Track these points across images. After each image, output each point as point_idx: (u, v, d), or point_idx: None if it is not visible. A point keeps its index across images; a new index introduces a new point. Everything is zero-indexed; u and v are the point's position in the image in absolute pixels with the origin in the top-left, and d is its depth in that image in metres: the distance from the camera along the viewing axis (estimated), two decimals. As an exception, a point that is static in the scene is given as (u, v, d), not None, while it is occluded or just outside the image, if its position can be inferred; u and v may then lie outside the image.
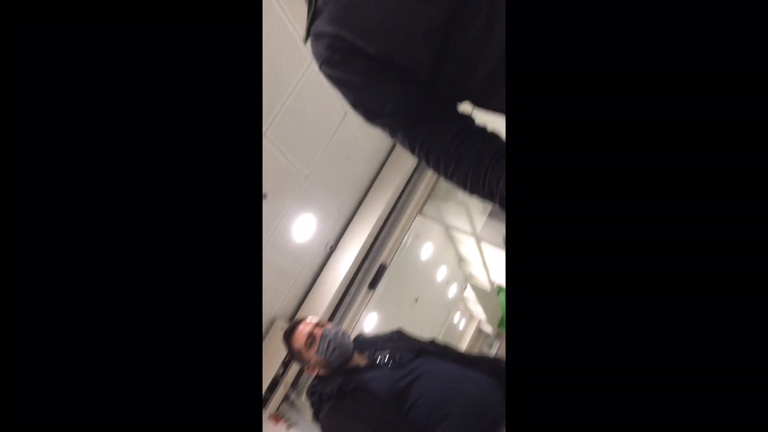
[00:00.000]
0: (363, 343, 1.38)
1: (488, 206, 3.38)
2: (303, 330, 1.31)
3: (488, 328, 9.39)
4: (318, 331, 1.29)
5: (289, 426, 2.80)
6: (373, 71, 0.64)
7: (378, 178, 3.24)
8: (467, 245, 4.87)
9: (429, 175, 3.29)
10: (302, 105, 2.39)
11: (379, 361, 1.25)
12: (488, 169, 0.60)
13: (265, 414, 2.79)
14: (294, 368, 2.85)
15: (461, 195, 3.52)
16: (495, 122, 0.66)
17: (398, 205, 3.26)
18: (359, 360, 1.30)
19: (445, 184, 3.47)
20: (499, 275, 5.27)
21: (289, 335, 1.34)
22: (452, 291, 6.12)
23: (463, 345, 8.98)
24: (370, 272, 3.17)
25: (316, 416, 1.19)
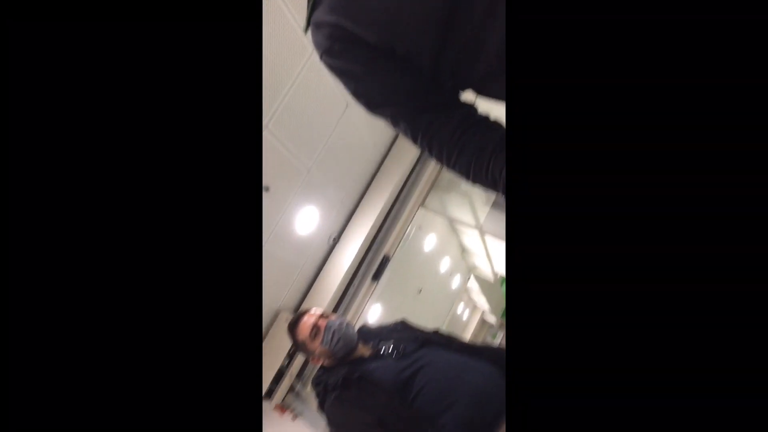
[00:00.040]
0: (367, 333, 1.39)
1: (491, 197, 3.38)
2: (307, 321, 1.32)
3: (492, 319, 9.42)
4: (322, 322, 1.30)
5: (295, 416, 2.83)
6: (374, 60, 0.64)
7: (380, 169, 3.24)
8: (470, 236, 4.87)
9: (431, 166, 3.28)
10: (303, 97, 2.38)
11: (384, 352, 1.26)
12: (491, 158, 0.60)
13: (271, 405, 2.82)
14: (299, 359, 2.87)
15: (464, 186, 3.51)
16: (498, 110, 0.65)
17: (401, 197, 3.26)
18: (363, 350, 1.31)
19: (447, 175, 3.46)
20: (502, 266, 5.27)
21: (293, 326, 1.35)
22: (456, 282, 6.14)
23: (467, 335, 9.02)
24: (373, 264, 3.18)
25: (321, 406, 1.20)
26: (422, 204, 3.36)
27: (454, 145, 0.63)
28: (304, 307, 3.01)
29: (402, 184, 3.25)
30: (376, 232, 3.19)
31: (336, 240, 3.10)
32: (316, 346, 1.29)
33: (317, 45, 0.68)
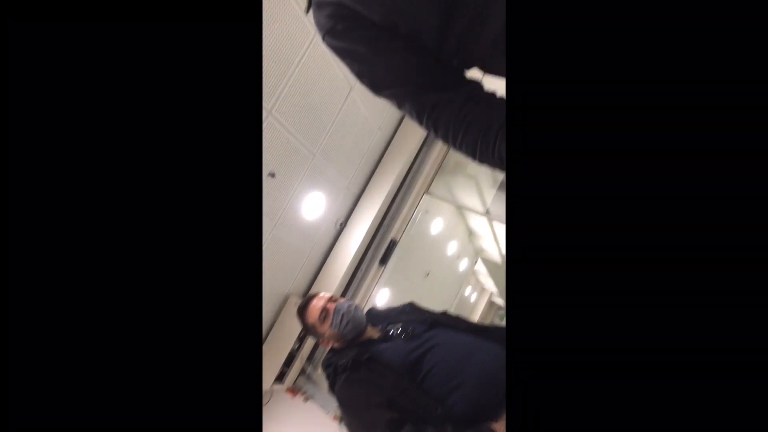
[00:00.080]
0: (375, 316, 1.40)
1: (498, 178, 3.35)
2: (316, 305, 1.33)
3: (500, 301, 9.46)
4: (331, 306, 1.31)
5: (306, 399, 2.88)
6: (377, 40, 0.63)
7: (386, 153, 3.23)
8: (477, 219, 4.86)
9: (437, 149, 3.26)
10: (307, 81, 2.36)
11: (392, 333, 1.27)
12: (497, 136, 0.59)
13: (283, 388, 2.87)
14: (309, 343, 2.91)
15: (470, 169, 3.49)
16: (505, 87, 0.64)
17: (407, 180, 3.25)
18: (372, 333, 1.32)
19: (453, 158, 3.43)
20: (509, 248, 5.24)
21: (303, 310, 1.36)
22: (463, 265, 6.15)
23: (475, 317, 9.07)
24: (380, 248, 3.19)
25: (332, 388, 1.22)
26: (427, 191, 3.35)
27: (459, 124, 0.62)
28: (312, 291, 3.04)
29: (408, 167, 3.24)
30: (383, 216, 3.20)
31: (343, 225, 3.11)
32: (326, 329, 1.30)
33: (319, 25, 0.67)
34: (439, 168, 3.39)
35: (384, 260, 3.19)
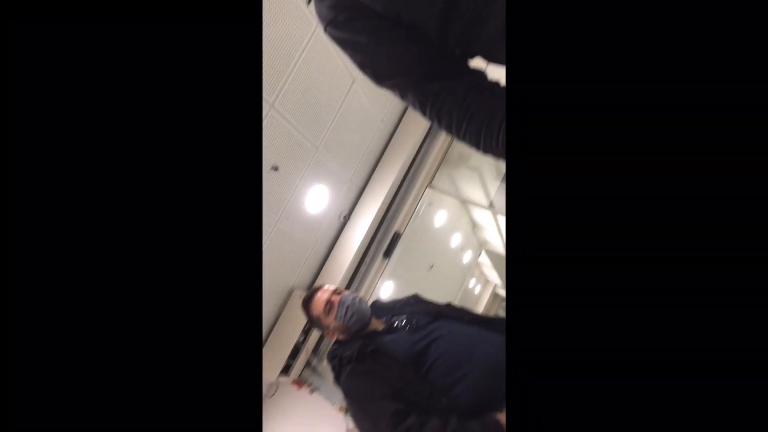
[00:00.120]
0: (380, 308, 1.40)
1: (502, 170, 3.34)
2: (321, 297, 1.34)
3: (503, 293, 9.46)
4: (335, 298, 1.32)
5: (312, 390, 2.91)
6: (380, 30, 0.62)
7: (389, 145, 3.22)
8: (481, 211, 4.85)
9: (441, 141, 3.25)
10: (309, 74, 2.35)
11: (397, 325, 1.27)
12: (501, 125, 0.59)
13: (288, 380, 2.89)
14: (314, 335, 2.93)
15: (473, 160, 3.48)
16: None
17: (410, 172, 3.24)
18: (377, 325, 1.32)
19: (457, 150, 3.42)
20: (513, 240, 5.24)
21: (307, 303, 1.37)
22: (467, 257, 6.15)
23: (479, 309, 9.09)
24: (384, 241, 3.19)
25: (337, 379, 1.23)
26: (430, 184, 3.34)
27: (463, 113, 0.62)
28: (317, 284, 3.05)
29: (411, 159, 3.23)
30: (387, 209, 3.20)
31: (347, 218, 3.11)
32: (330, 321, 1.30)
33: (321, 16, 0.67)
34: (443, 160, 3.38)
35: (388, 253, 3.19)
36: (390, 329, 1.27)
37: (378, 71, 0.66)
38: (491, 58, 0.64)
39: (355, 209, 3.14)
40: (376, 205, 3.07)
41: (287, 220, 2.64)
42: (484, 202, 3.58)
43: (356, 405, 1.13)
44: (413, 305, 1.38)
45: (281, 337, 2.82)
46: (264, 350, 2.83)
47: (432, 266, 4.96)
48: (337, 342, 1.33)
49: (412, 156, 3.23)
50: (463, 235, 5.48)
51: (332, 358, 1.26)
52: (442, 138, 3.25)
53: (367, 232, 3.05)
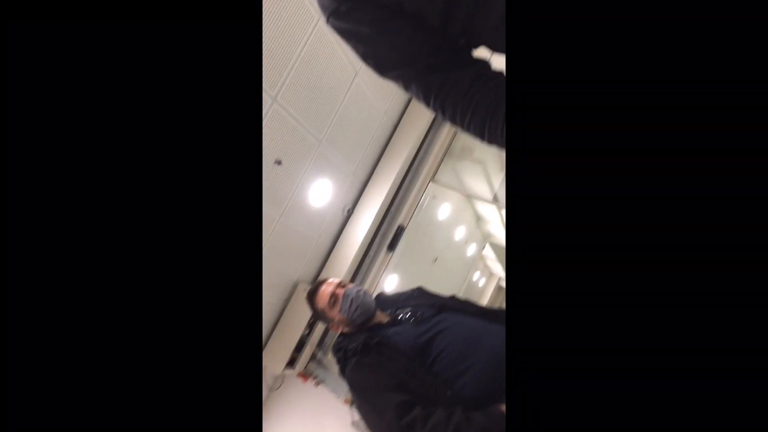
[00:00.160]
0: (384, 301, 1.41)
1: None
2: (325, 290, 1.34)
3: (508, 286, 9.44)
4: (340, 291, 1.32)
5: (317, 383, 2.93)
6: (382, 20, 0.62)
7: (392, 138, 3.21)
8: (485, 204, 4.84)
9: (444, 133, 3.24)
10: (311, 67, 2.35)
11: (402, 318, 1.28)
12: (505, 115, 0.58)
13: (294, 373, 2.91)
14: (319, 329, 2.95)
15: (477, 153, 3.46)
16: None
17: (414, 165, 3.24)
18: (381, 317, 1.33)
19: (460, 142, 3.41)
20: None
21: (312, 296, 1.37)
22: (471, 250, 6.15)
23: (483, 302, 9.09)
24: (388, 234, 3.19)
25: (342, 371, 1.24)
26: (433, 178, 3.33)
27: (467, 104, 0.62)
28: (321, 278, 3.06)
29: (415, 152, 3.22)
30: (390, 202, 3.19)
31: (350, 211, 3.11)
32: (335, 314, 1.31)
33: (323, 7, 0.66)
34: (446, 152, 3.36)
35: (392, 246, 3.19)
36: (395, 322, 1.28)
37: (381, 62, 0.66)
38: (495, 48, 0.63)
39: (359, 203, 3.14)
40: (380, 198, 3.07)
41: (291, 214, 2.64)
42: (488, 194, 3.57)
43: (361, 397, 1.14)
44: (417, 298, 1.38)
45: (286, 330, 2.83)
46: (269, 343, 2.85)
47: (436, 259, 4.96)
48: (341, 335, 1.33)
49: (416, 148, 3.22)
50: (467, 228, 5.47)
51: (337, 350, 1.27)
52: (446, 130, 3.23)
53: (371, 225, 3.05)
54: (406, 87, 0.66)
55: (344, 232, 3.11)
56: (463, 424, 0.96)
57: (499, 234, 5.71)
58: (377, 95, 2.89)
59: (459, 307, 1.30)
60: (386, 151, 3.20)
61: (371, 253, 3.17)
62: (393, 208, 3.21)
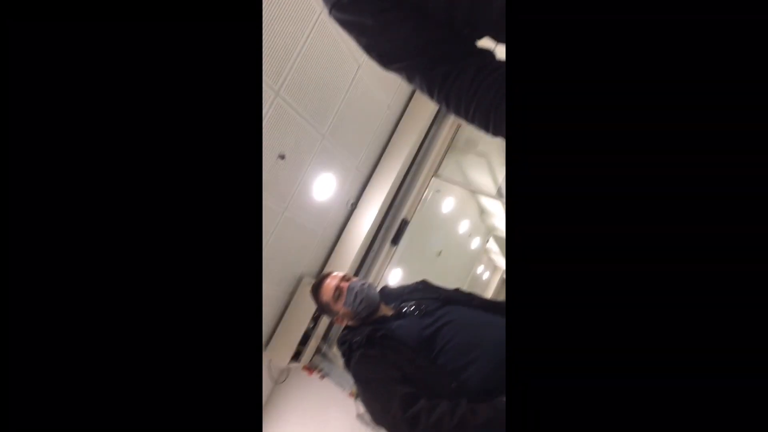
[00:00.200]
0: (389, 294, 1.41)
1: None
2: (330, 284, 1.35)
3: (512, 279, 9.43)
4: (344, 285, 1.32)
5: (323, 376, 2.95)
6: (385, 11, 0.61)
7: (396, 131, 3.20)
8: (489, 198, 4.83)
9: (448, 126, 3.22)
10: (314, 60, 2.34)
11: (406, 311, 1.28)
12: None
13: (299, 366, 2.93)
14: (324, 322, 2.96)
15: (481, 146, 3.45)
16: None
17: (418, 159, 3.23)
18: (386, 310, 1.33)
19: (464, 136, 3.39)
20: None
21: (316, 289, 1.38)
22: (475, 243, 6.14)
23: (488, 295, 9.09)
24: (392, 228, 3.19)
25: (347, 364, 1.24)
26: (436, 173, 3.32)
27: (472, 96, 0.61)
28: (325, 271, 3.07)
29: (419, 145, 3.21)
30: (394, 196, 3.19)
31: (354, 205, 3.11)
32: (340, 307, 1.31)
33: None
34: (450, 146, 3.35)
35: (396, 240, 3.20)
36: (399, 315, 1.28)
37: (384, 54, 0.66)
38: (499, 38, 0.63)
39: (363, 196, 3.14)
40: (384, 192, 3.07)
41: (295, 209, 2.65)
42: (492, 187, 3.55)
43: (366, 389, 1.14)
44: (422, 291, 1.38)
45: (291, 323, 2.85)
46: (274, 337, 2.87)
47: (440, 253, 4.96)
48: (346, 328, 1.34)
49: (420, 142, 3.21)
50: (471, 222, 5.46)
51: (342, 343, 1.27)
52: (449, 123, 3.22)
53: (375, 219, 3.06)
54: (410, 79, 0.66)
55: (348, 225, 3.12)
56: (467, 416, 0.96)
57: (504, 227, 5.70)
58: (380, 89, 2.88)
59: (463, 300, 1.30)
60: (390, 144, 3.19)
61: (375, 246, 3.17)
62: (397, 202, 3.20)
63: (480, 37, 0.65)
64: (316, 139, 2.60)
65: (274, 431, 2.94)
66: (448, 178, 3.47)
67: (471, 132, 3.35)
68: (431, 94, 0.65)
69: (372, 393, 1.12)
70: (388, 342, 1.17)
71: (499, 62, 0.64)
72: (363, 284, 1.32)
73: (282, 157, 2.41)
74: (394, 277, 3.94)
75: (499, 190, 3.55)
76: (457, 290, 1.38)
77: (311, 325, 2.89)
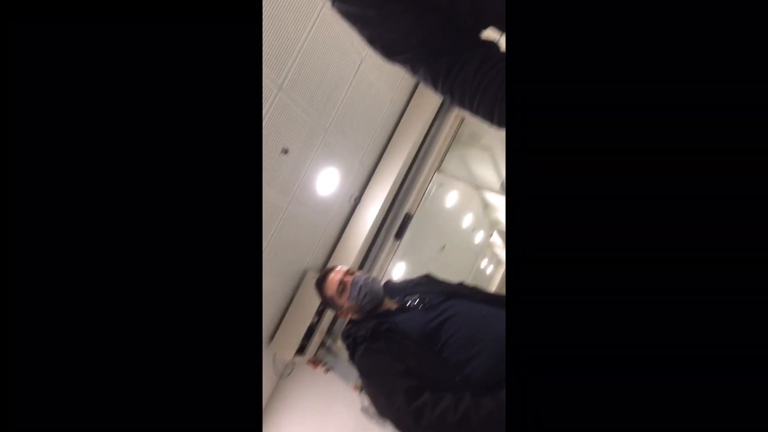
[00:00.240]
0: (393, 288, 1.41)
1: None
2: (334, 278, 1.35)
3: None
4: (348, 278, 1.33)
5: (327, 370, 2.96)
6: (389, 3, 0.61)
7: (399, 125, 3.19)
8: (492, 192, 4.81)
9: (451, 120, 3.21)
10: (316, 55, 2.33)
11: (410, 304, 1.28)
12: None
13: (304, 359, 2.95)
14: (328, 316, 2.97)
15: (485, 140, 3.43)
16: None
17: (421, 153, 3.22)
18: (390, 304, 1.34)
19: (467, 129, 3.38)
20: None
21: (321, 283, 1.38)
22: (479, 237, 6.14)
23: (492, 289, 9.09)
24: (395, 222, 3.20)
25: (352, 358, 1.25)
26: (439, 168, 3.31)
27: (476, 88, 0.61)
28: (329, 266, 3.08)
29: (422, 139, 3.20)
30: (398, 190, 3.19)
31: (357, 199, 3.11)
32: (344, 301, 1.32)
33: None
34: (453, 139, 3.34)
35: (399, 234, 3.20)
36: (403, 308, 1.29)
37: (387, 46, 0.65)
38: (503, 28, 0.62)
39: (366, 191, 3.14)
40: (387, 186, 3.07)
41: (298, 203, 2.65)
42: (496, 180, 3.54)
43: (371, 382, 1.15)
44: (426, 285, 1.38)
45: (296, 317, 2.86)
46: (279, 331, 2.88)
47: (444, 247, 4.96)
48: (350, 321, 1.34)
49: (423, 135, 3.20)
50: (475, 216, 5.45)
51: (346, 337, 1.28)
52: (453, 117, 3.21)
53: (379, 213, 3.06)
54: (414, 71, 0.66)
55: (352, 220, 3.12)
56: (471, 409, 0.97)
57: (507, 221, 5.68)
58: (383, 82, 2.86)
59: (467, 294, 1.30)
60: (393, 138, 3.18)
61: (379, 241, 3.18)
62: (400, 196, 3.20)
63: (484, 27, 0.65)
64: (319, 133, 2.59)
65: (279, 425, 2.97)
66: (451, 174, 3.46)
67: (475, 126, 3.33)
68: (435, 86, 0.65)
69: (376, 386, 1.12)
70: (392, 335, 1.18)
71: (503, 53, 0.64)
72: (367, 278, 1.32)
73: (285, 151, 2.41)
74: (398, 271, 3.95)
75: (502, 184, 3.54)
76: (460, 284, 1.38)
77: (316, 319, 2.91)
